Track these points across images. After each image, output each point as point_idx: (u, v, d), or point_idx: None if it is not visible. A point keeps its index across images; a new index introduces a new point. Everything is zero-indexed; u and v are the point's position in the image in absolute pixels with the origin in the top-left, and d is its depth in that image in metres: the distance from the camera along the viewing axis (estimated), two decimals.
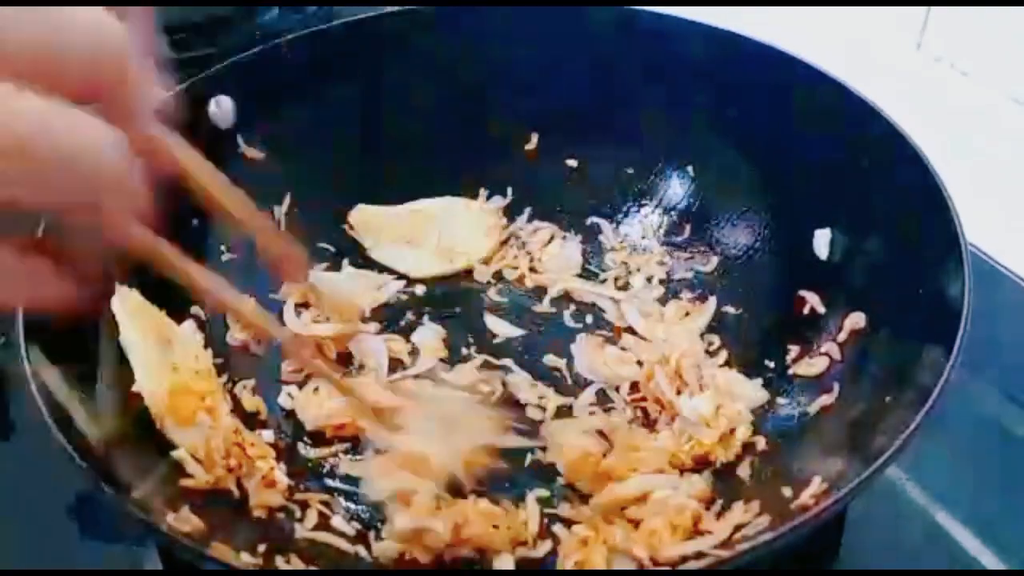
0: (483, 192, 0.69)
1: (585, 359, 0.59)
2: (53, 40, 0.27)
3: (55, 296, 0.31)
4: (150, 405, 0.48)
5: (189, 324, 0.54)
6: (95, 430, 0.44)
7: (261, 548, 0.44)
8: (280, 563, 0.44)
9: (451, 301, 0.64)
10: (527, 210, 0.69)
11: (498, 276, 0.66)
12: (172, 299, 0.52)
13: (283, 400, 0.57)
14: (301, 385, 0.57)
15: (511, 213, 0.69)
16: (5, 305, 0.32)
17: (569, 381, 0.58)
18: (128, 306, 0.50)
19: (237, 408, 0.55)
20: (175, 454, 0.47)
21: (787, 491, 0.46)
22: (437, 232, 0.66)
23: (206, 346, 0.54)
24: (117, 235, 0.32)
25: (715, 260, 0.65)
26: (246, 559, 0.42)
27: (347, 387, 0.51)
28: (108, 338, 0.49)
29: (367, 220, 0.66)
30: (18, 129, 0.26)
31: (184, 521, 0.42)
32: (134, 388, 0.48)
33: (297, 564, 0.45)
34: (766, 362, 0.57)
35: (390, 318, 0.62)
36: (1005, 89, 0.80)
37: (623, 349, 0.60)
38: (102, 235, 0.31)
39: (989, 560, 0.51)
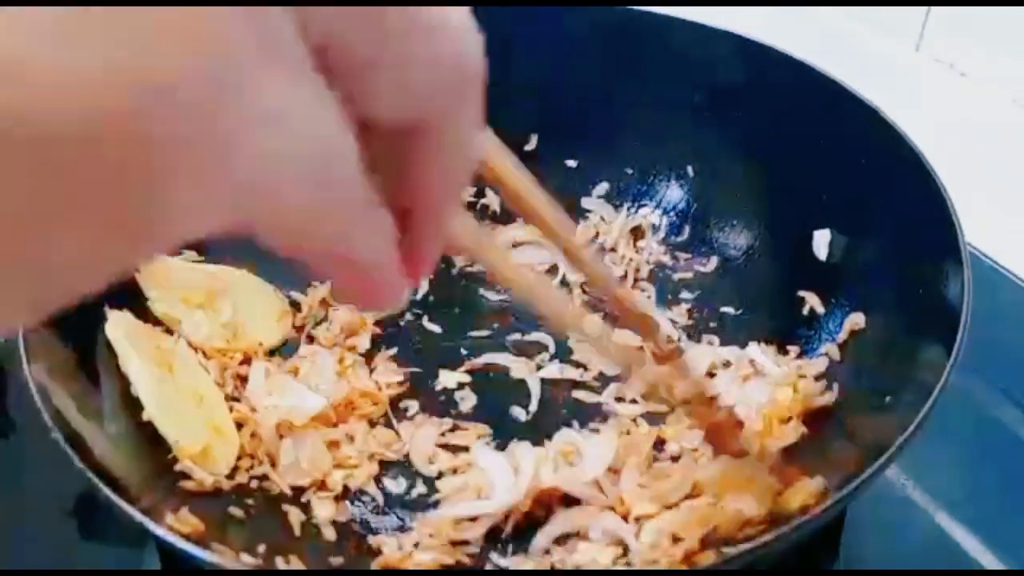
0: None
1: None
2: (406, 45, 0.23)
3: (393, 294, 0.27)
4: (161, 431, 0.48)
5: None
6: (96, 433, 0.44)
7: (261, 548, 0.44)
8: (280, 563, 0.44)
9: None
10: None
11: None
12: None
13: None
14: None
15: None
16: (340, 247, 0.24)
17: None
18: (123, 330, 0.49)
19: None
20: (181, 465, 0.47)
21: (787, 491, 0.46)
22: (231, 305, 0.58)
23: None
24: (468, 160, 0.29)
25: (715, 260, 0.65)
26: (246, 559, 0.42)
27: None
28: (108, 361, 0.49)
29: (157, 272, 0.56)
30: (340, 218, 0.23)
31: (183, 522, 0.42)
32: (144, 417, 0.48)
33: (297, 564, 0.45)
34: None
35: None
36: (1005, 89, 0.80)
37: None
38: (453, 161, 0.28)
39: (989, 560, 0.51)
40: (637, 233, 0.68)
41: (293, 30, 0.20)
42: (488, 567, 0.48)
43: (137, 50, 0.18)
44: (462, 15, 0.26)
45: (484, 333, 0.62)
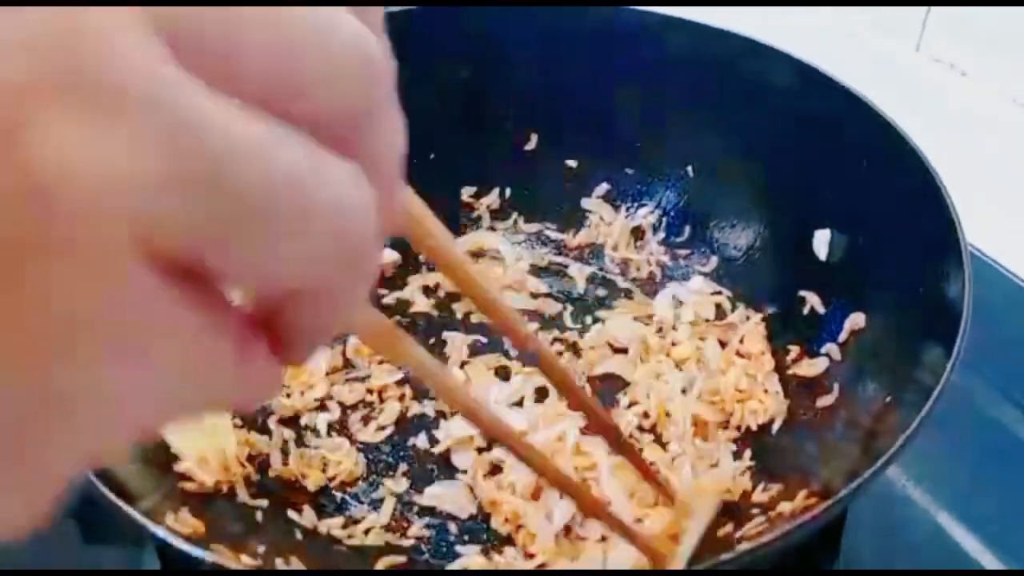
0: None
1: None
2: (299, 52, 0.17)
3: (271, 388, 0.20)
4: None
5: None
6: None
7: (260, 549, 0.44)
8: (280, 564, 0.44)
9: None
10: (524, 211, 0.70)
11: None
12: None
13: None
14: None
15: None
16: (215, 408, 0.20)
17: None
18: None
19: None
20: (180, 467, 0.47)
21: (787, 491, 0.46)
22: None
23: None
24: (346, 318, 0.21)
25: (715, 260, 0.65)
26: (246, 560, 0.42)
27: None
28: None
29: None
30: (273, 181, 0.16)
31: (183, 523, 0.42)
32: None
33: (297, 565, 0.45)
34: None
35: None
36: (1005, 89, 0.80)
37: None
38: (328, 317, 0.20)
39: (989, 560, 0.51)
40: (637, 233, 0.68)
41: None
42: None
43: None
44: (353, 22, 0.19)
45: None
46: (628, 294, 0.65)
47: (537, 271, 0.67)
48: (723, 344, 0.59)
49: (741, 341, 0.59)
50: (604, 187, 0.69)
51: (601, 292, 0.65)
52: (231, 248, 0.16)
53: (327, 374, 0.58)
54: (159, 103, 0.15)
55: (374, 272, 0.20)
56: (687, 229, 0.67)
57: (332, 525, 0.50)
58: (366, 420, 0.56)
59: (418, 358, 0.30)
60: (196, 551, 0.38)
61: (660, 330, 0.61)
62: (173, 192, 0.15)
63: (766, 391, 0.56)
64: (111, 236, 0.15)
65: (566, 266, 0.68)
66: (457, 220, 0.69)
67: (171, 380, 0.17)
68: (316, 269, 0.18)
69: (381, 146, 0.19)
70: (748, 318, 0.61)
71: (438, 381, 0.32)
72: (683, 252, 0.66)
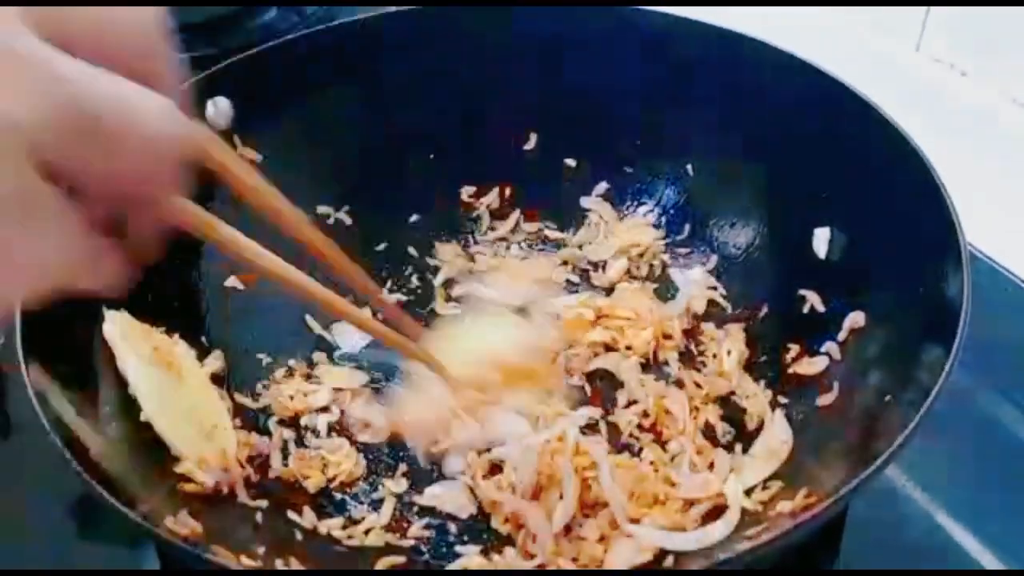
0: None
1: None
2: (107, 18, 0.29)
3: (114, 277, 0.31)
4: (159, 432, 0.47)
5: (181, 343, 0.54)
6: (94, 435, 0.43)
7: (260, 550, 0.44)
8: (279, 564, 0.44)
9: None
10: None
11: None
12: (160, 315, 0.53)
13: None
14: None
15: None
16: (70, 287, 0.30)
17: None
18: (121, 329, 0.49)
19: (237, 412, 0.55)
20: (180, 468, 0.47)
21: (787, 491, 0.46)
22: None
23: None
24: (173, 210, 0.32)
25: (715, 260, 0.65)
26: (246, 561, 0.42)
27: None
28: (105, 363, 0.48)
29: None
30: (97, 100, 0.27)
31: (182, 524, 0.42)
32: (142, 418, 0.47)
33: (297, 565, 0.45)
34: (766, 362, 0.58)
35: None
36: (1005, 89, 0.80)
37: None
38: (158, 211, 0.32)
39: (989, 560, 0.51)
40: (637, 233, 0.68)
41: None
42: None
43: None
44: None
45: None
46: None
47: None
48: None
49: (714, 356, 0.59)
50: (604, 186, 0.69)
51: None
52: (85, 161, 0.27)
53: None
54: (36, 66, 0.26)
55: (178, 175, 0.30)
56: (687, 228, 0.67)
57: (332, 526, 0.50)
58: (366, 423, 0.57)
59: (230, 236, 0.36)
60: (196, 551, 0.38)
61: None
62: (51, 126, 0.26)
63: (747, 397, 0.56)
64: (12, 149, 0.26)
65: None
66: (457, 220, 0.70)
67: (43, 246, 0.28)
68: (147, 167, 0.29)
69: (169, 74, 0.32)
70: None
71: (251, 254, 0.38)
72: (683, 250, 0.66)
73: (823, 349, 0.55)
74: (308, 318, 0.61)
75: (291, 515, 0.50)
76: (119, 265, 0.31)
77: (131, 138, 0.28)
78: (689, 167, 0.67)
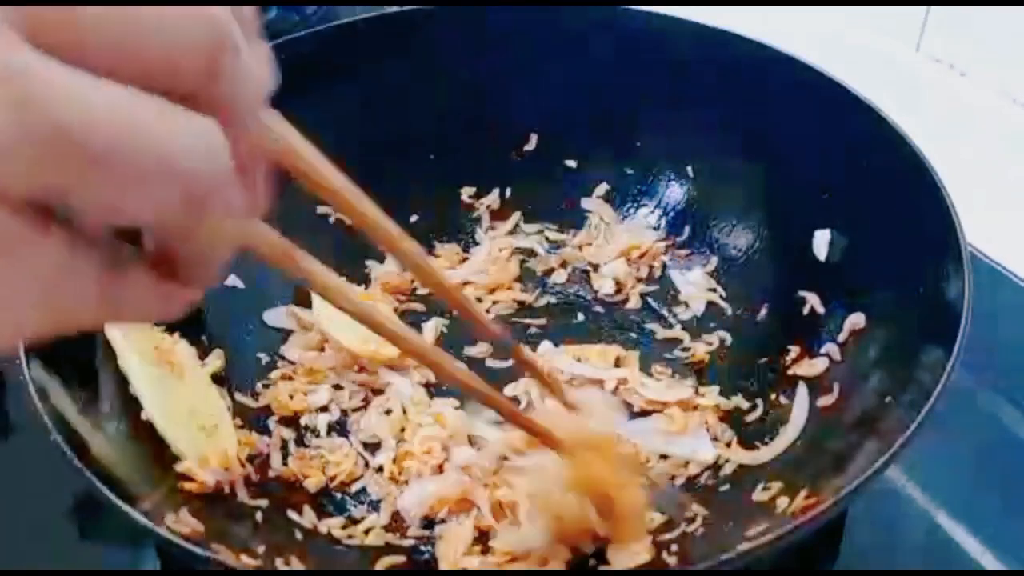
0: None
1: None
2: (133, 19, 0.21)
3: (155, 307, 0.25)
4: (160, 431, 0.47)
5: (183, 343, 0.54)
6: (95, 433, 0.44)
7: (260, 549, 0.44)
8: (279, 564, 0.44)
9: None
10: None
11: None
12: None
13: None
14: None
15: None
16: (86, 324, 0.24)
17: None
18: (122, 328, 0.49)
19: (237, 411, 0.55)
20: (181, 466, 0.47)
21: (787, 491, 0.46)
22: None
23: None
24: (235, 238, 0.27)
25: (715, 260, 0.65)
26: (246, 560, 0.42)
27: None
28: (106, 361, 0.48)
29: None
30: (102, 128, 0.20)
31: (183, 523, 0.42)
32: (143, 416, 0.47)
33: (297, 565, 0.45)
34: (766, 363, 0.58)
35: None
36: (1005, 89, 0.80)
37: None
38: (217, 240, 0.25)
39: (989, 560, 0.51)
40: (637, 235, 0.68)
41: None
42: None
43: None
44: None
45: None
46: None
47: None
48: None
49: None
50: (604, 187, 0.69)
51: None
52: (77, 193, 0.20)
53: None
54: (8, 81, 0.19)
55: (232, 204, 0.24)
56: (687, 229, 0.67)
57: (332, 525, 0.50)
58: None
59: (314, 272, 0.34)
60: (196, 551, 0.38)
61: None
62: (20, 153, 0.19)
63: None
64: None
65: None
66: (457, 220, 0.70)
67: (32, 290, 0.22)
68: (164, 206, 0.21)
69: (234, 96, 0.24)
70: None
71: (336, 294, 0.35)
72: (683, 252, 0.66)
73: (823, 350, 0.55)
74: None
75: (291, 514, 0.50)
76: (157, 293, 0.25)
77: (131, 168, 0.21)
78: (689, 169, 0.67)
